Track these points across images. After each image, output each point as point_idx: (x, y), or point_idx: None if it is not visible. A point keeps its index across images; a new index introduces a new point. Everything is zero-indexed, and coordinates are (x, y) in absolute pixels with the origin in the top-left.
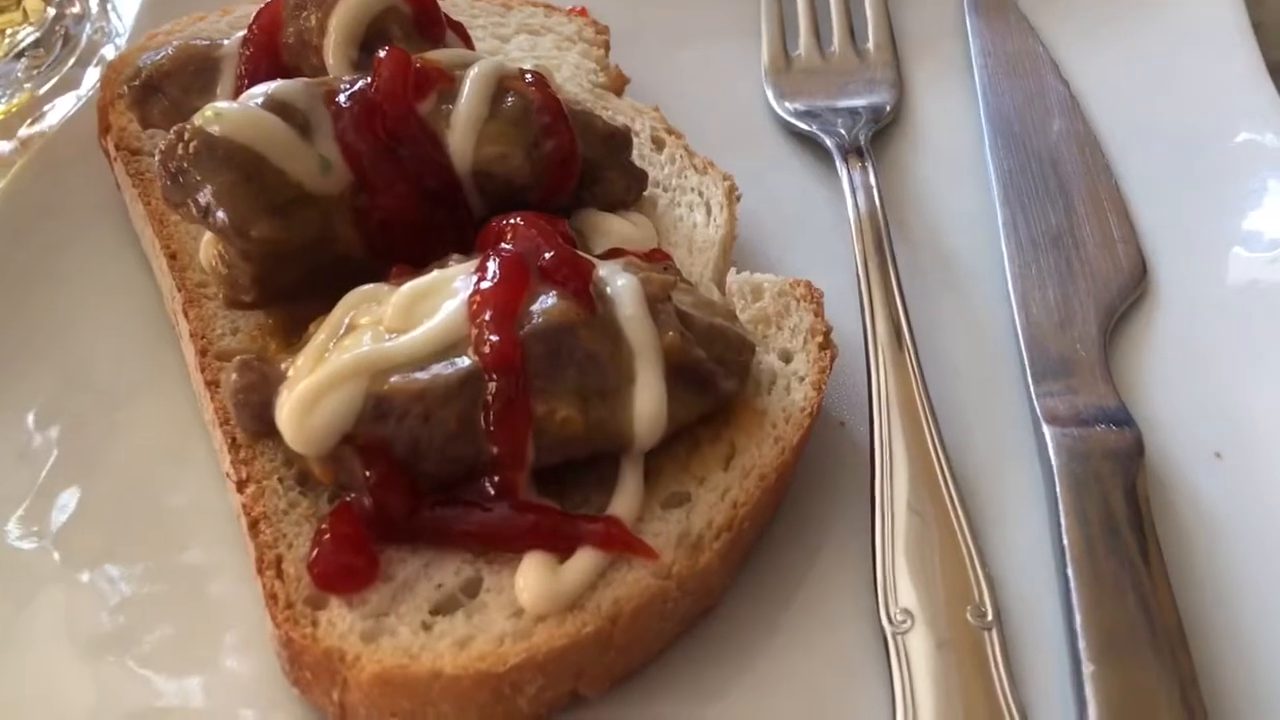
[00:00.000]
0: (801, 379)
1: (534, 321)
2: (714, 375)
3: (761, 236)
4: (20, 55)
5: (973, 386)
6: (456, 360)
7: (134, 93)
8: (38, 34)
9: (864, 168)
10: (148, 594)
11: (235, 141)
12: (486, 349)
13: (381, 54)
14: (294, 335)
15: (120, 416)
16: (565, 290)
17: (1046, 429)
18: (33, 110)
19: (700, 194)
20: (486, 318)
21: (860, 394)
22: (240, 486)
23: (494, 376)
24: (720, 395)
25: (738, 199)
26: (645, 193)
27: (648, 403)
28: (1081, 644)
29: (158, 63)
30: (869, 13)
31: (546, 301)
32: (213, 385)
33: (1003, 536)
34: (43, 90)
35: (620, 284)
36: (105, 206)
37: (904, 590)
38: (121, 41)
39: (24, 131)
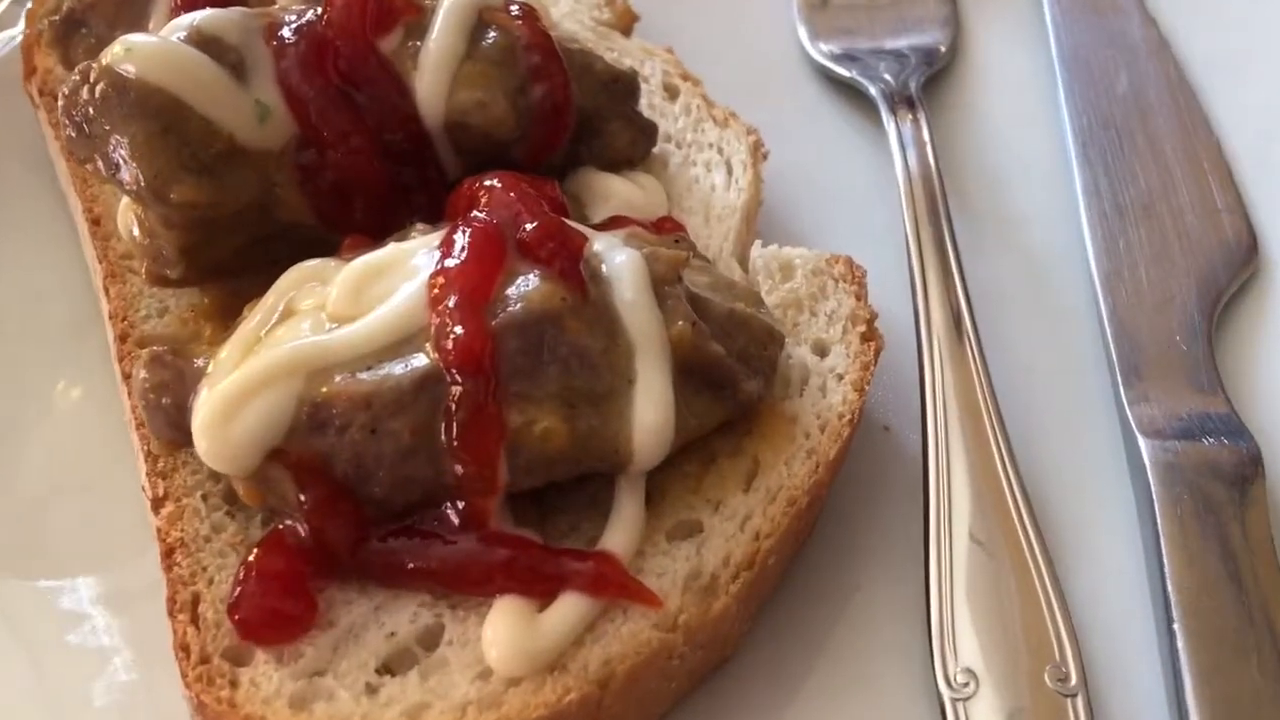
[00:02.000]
0: (840, 378)
1: (509, 309)
2: (734, 375)
3: (792, 202)
4: None
5: (1048, 387)
6: (412, 357)
7: (54, 28)
8: None
9: (915, 120)
10: (60, 617)
11: (150, 83)
12: (449, 344)
13: None
14: (234, 318)
15: (35, 409)
16: (550, 269)
17: (1141, 442)
18: None
19: (720, 151)
20: (450, 304)
21: (910, 393)
22: (156, 505)
23: (458, 378)
24: (741, 399)
25: (764, 157)
26: (654, 149)
27: (650, 410)
28: (1193, 719)
29: None
30: None
31: (526, 284)
32: (131, 379)
33: (1089, 577)
34: None
35: (619, 261)
36: (32, 162)
37: (966, 644)
38: None
39: None
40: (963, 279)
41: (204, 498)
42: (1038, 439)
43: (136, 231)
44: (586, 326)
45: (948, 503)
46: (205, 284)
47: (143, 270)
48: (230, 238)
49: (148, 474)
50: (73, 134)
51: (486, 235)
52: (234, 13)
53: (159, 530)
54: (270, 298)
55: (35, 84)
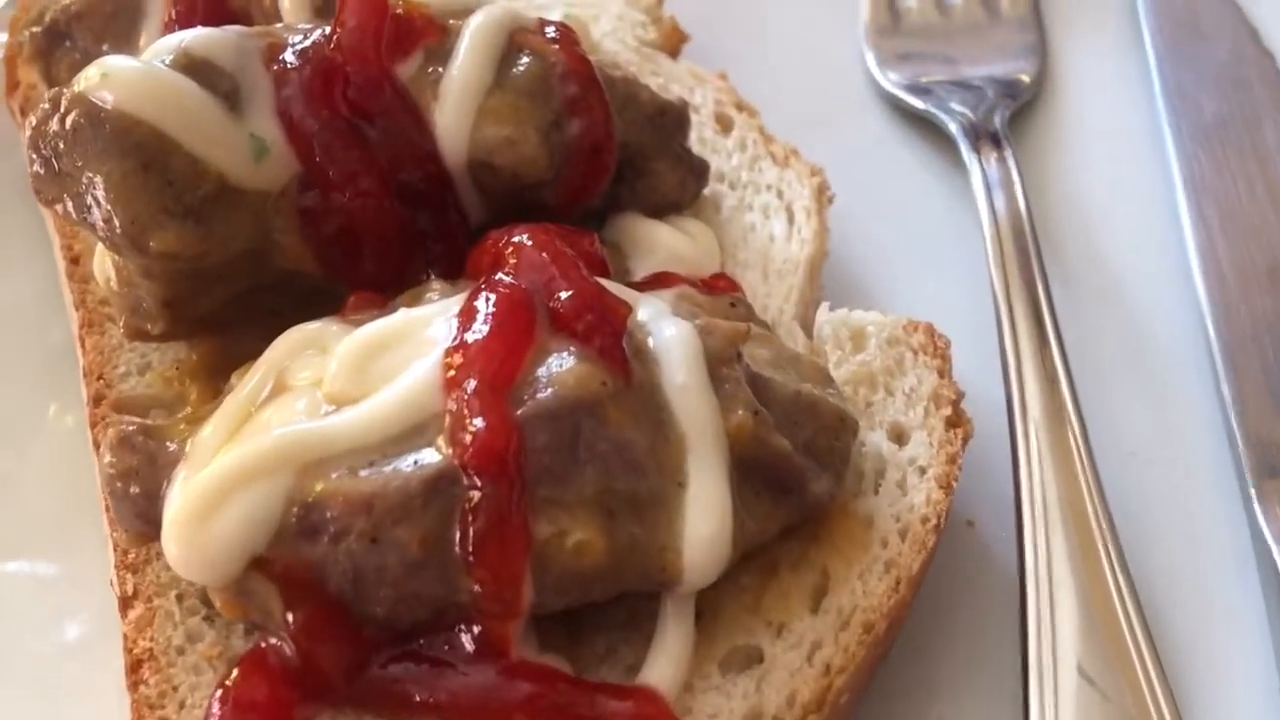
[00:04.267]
0: (922, 471)
1: (539, 395)
2: (801, 473)
3: (861, 254)
4: None
5: (1161, 480)
6: (422, 452)
7: (36, 41)
8: None
9: (1001, 159)
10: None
11: (129, 115)
12: (467, 438)
13: None
14: (225, 378)
15: (10, 467)
16: (587, 347)
17: (1277, 553)
18: None
19: (780, 194)
20: (468, 390)
21: (997, 480)
22: (124, 605)
23: (476, 480)
24: (809, 501)
25: (830, 201)
26: (706, 190)
27: (704, 520)
28: None
29: (64, 2)
30: None
31: (559, 364)
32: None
33: None
34: None
35: (669, 335)
36: (15, 185)
37: None
38: None
39: None
40: (1062, 349)
41: (179, 598)
42: (1151, 545)
43: (114, 280)
44: (630, 417)
45: (1050, 627)
46: (192, 338)
47: (120, 323)
48: (220, 288)
49: (116, 566)
50: (40, 170)
51: (513, 304)
52: (229, 33)
53: (125, 637)
54: (260, 368)
55: (17, 100)
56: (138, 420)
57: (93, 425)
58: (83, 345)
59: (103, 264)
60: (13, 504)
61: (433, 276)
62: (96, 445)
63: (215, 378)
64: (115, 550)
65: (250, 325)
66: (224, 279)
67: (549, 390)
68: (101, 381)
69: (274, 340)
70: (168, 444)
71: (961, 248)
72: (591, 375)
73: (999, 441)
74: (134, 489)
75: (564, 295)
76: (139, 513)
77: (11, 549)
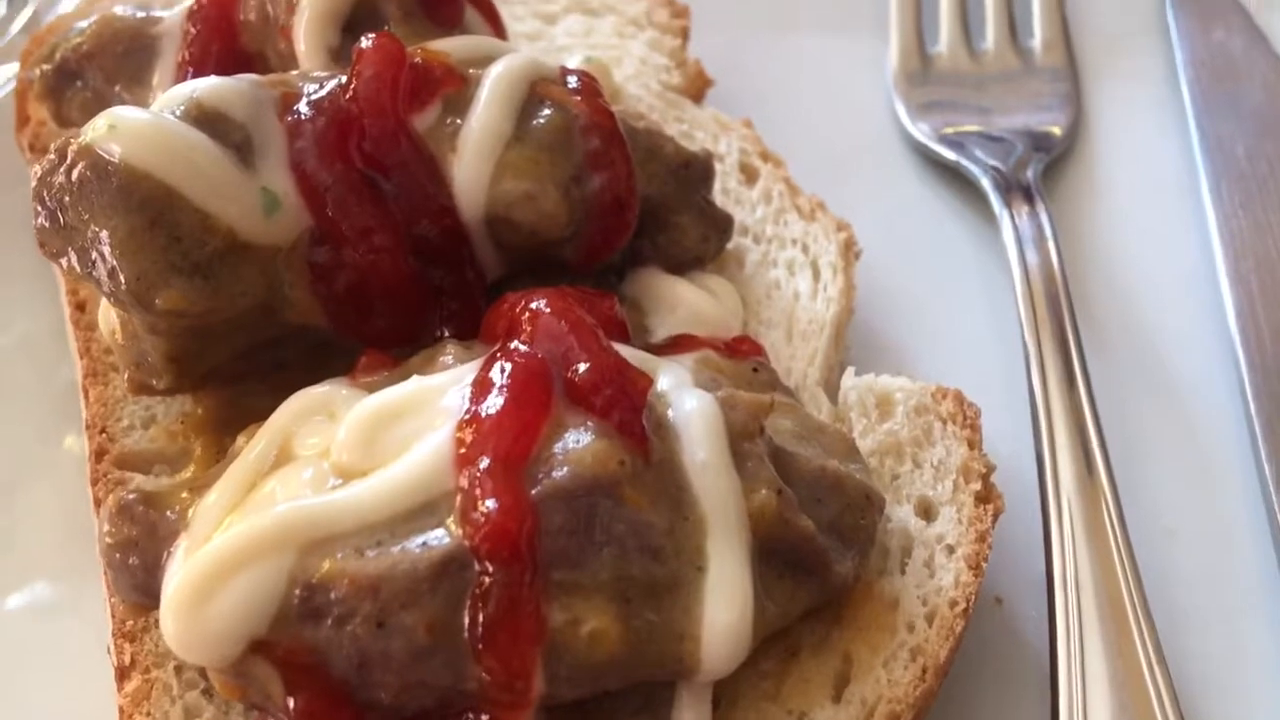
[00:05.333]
0: (950, 550)
1: (554, 474)
2: (824, 556)
3: (887, 311)
4: None
5: (1198, 560)
6: (431, 533)
7: (46, 79)
8: None
9: (1033, 214)
10: None
11: (137, 169)
12: (479, 519)
13: (365, 42)
14: (231, 432)
15: (16, 502)
16: (605, 422)
17: None
18: None
19: (805, 249)
20: (481, 467)
21: (1026, 554)
22: (120, 675)
23: (488, 564)
24: (833, 583)
25: (857, 257)
26: (729, 244)
27: (724, 607)
28: None
29: (75, 41)
30: None
31: (576, 440)
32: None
33: None
34: None
35: (689, 409)
36: (25, 219)
37: None
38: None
39: None
40: (1096, 416)
41: (177, 670)
42: (1186, 629)
43: (118, 333)
44: (648, 498)
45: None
46: (197, 392)
47: (124, 378)
48: (227, 343)
49: (113, 634)
50: (45, 223)
51: (529, 375)
52: (243, 82)
53: (121, 711)
54: (266, 434)
55: (27, 136)
56: (138, 487)
57: (94, 482)
58: (86, 396)
59: (107, 316)
60: (20, 539)
61: (447, 334)
62: (97, 504)
63: (221, 432)
64: (113, 617)
65: (257, 379)
66: (231, 334)
67: (565, 469)
68: (104, 435)
69: (281, 396)
70: (168, 513)
71: (992, 305)
72: (609, 453)
73: (1029, 511)
74: (133, 560)
75: (582, 367)
76: (137, 584)
77: (15, 585)
